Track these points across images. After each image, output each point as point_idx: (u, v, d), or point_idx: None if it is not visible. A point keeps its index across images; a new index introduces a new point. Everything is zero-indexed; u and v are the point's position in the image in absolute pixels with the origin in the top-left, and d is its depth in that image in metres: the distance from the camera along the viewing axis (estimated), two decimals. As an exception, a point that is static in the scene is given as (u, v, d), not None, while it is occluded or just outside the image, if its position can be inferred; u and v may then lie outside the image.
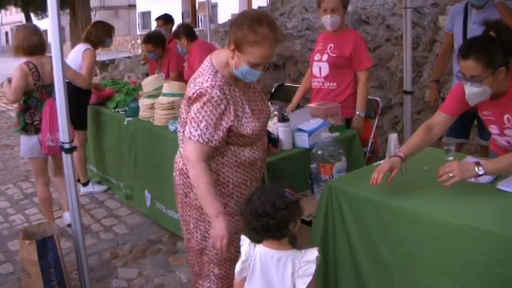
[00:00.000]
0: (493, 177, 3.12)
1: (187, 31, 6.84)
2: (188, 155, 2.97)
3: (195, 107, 2.96)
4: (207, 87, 2.95)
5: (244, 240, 2.60)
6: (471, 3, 5.07)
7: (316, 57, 5.07)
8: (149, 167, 5.44)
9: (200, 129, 2.92)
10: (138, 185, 5.79)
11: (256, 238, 2.59)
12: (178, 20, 8.44)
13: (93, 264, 4.78)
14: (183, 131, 3.06)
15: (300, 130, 4.19)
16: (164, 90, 5.38)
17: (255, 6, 21.60)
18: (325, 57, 4.98)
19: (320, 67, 5.03)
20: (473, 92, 3.12)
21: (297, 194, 2.63)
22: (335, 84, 4.98)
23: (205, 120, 2.92)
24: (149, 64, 7.92)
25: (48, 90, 4.97)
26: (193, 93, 2.98)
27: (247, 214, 2.55)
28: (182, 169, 3.17)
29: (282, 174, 3.85)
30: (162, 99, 5.30)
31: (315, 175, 3.77)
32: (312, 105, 4.78)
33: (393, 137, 3.53)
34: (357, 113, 4.92)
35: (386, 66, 8.22)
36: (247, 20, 2.93)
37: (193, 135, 2.92)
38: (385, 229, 2.94)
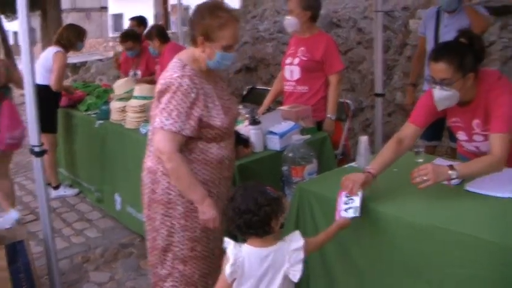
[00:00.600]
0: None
1: (160, 33, 6.82)
2: (161, 146, 2.98)
3: (165, 98, 2.99)
4: (177, 77, 3.00)
5: (229, 243, 2.59)
6: (442, 8, 5.17)
7: (288, 60, 5.09)
8: (120, 170, 5.42)
9: (172, 118, 2.94)
10: (109, 188, 5.77)
11: (240, 237, 2.61)
12: (150, 23, 8.41)
13: (64, 268, 4.74)
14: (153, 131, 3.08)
15: (271, 133, 4.21)
16: (135, 93, 5.36)
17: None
18: (296, 60, 4.99)
19: (292, 71, 5.05)
20: (442, 95, 3.16)
21: (279, 192, 2.66)
22: (306, 87, 5.00)
23: (177, 109, 2.95)
24: (122, 64, 7.85)
25: (1, 91, 4.93)
26: (162, 85, 3.02)
27: (230, 212, 2.56)
28: (150, 167, 3.18)
29: (253, 176, 3.85)
30: (134, 102, 5.28)
31: (286, 177, 3.78)
32: (283, 107, 4.79)
33: (363, 139, 3.55)
34: (328, 116, 4.94)
35: (358, 69, 8.26)
36: (206, 9, 3.03)
37: (165, 124, 2.94)
38: (355, 230, 2.94)
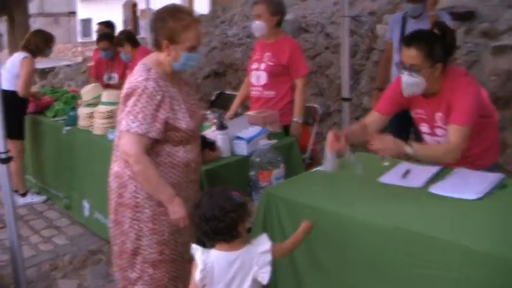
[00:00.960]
0: (425, 180, 3.22)
1: (130, 38, 6.79)
2: (128, 149, 3.00)
3: (131, 101, 3.01)
4: (141, 80, 3.03)
5: (197, 249, 2.61)
6: (408, 14, 5.26)
7: (254, 66, 5.13)
8: (88, 177, 5.40)
9: (138, 121, 2.97)
10: (77, 194, 5.73)
11: (208, 243, 2.62)
12: (119, 28, 8.37)
13: (32, 276, 4.69)
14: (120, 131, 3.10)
15: (239, 138, 4.22)
16: (103, 99, 5.35)
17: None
18: (262, 66, 5.03)
19: (258, 76, 5.08)
20: (410, 81, 3.29)
21: (245, 197, 2.69)
22: (273, 92, 5.04)
23: (142, 111, 2.98)
24: (96, 67, 7.76)
25: None
26: (127, 89, 3.05)
27: (196, 219, 2.59)
28: (117, 172, 3.20)
29: (221, 181, 3.87)
30: (101, 108, 5.27)
31: (253, 182, 3.80)
32: (250, 113, 4.82)
33: (329, 144, 3.58)
34: (295, 119, 4.98)
35: (326, 73, 8.31)
36: (168, 13, 3.09)
37: (132, 127, 2.96)
38: (322, 234, 2.98)
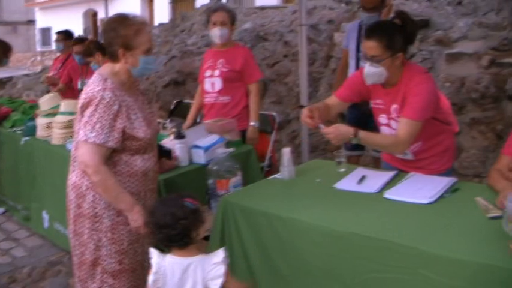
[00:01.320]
0: (380, 186, 3.28)
1: (100, 47, 6.68)
2: (86, 159, 3.00)
3: (88, 111, 3.02)
4: (98, 90, 3.04)
5: (154, 253, 2.66)
6: (363, 22, 5.33)
7: (208, 73, 5.19)
8: (47, 187, 5.35)
9: (96, 131, 2.97)
10: (36, 206, 5.67)
11: (164, 249, 2.66)
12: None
13: (-11, 289, 4.65)
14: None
15: (196, 146, 4.24)
16: (61, 109, 5.31)
17: (156, 22, 21.54)
18: (217, 72, 5.11)
19: (213, 83, 5.15)
20: (371, 71, 3.39)
21: (200, 204, 2.73)
22: (229, 97, 5.12)
23: (100, 121, 2.99)
24: (68, 73, 7.55)
25: None
26: (84, 99, 3.05)
27: (151, 226, 2.65)
28: (75, 182, 3.19)
29: (179, 190, 3.84)
30: (59, 118, 5.23)
31: (211, 190, 3.82)
32: (208, 121, 4.85)
33: (286, 151, 3.63)
34: (251, 123, 5.09)
35: (284, 81, 8.38)
36: (116, 22, 3.12)
37: (89, 137, 2.97)
38: (278, 240, 3.02)
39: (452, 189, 3.19)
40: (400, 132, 3.37)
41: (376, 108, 3.66)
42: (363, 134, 3.35)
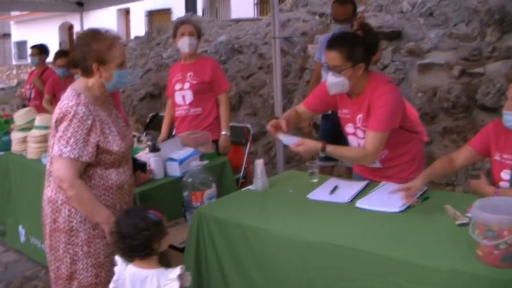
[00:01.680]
0: (352, 196, 3.33)
1: None
2: (61, 174, 3.00)
3: (62, 126, 3.03)
4: (72, 105, 3.05)
5: (118, 260, 2.71)
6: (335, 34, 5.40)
7: (177, 86, 5.25)
8: (23, 202, 5.33)
9: (70, 145, 2.98)
10: (12, 220, 5.65)
11: (126, 258, 2.69)
12: (55, 50, 8.24)
13: (-35, 305, 4.62)
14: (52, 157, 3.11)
15: (171, 159, 4.26)
16: (36, 123, 5.31)
17: (132, 35, 21.56)
18: (186, 85, 5.17)
19: (183, 95, 5.21)
20: (333, 81, 3.45)
21: (167, 219, 2.78)
22: (200, 109, 5.19)
23: (74, 136, 3.00)
24: (51, 85, 7.47)
25: None
26: (58, 114, 3.06)
27: (115, 236, 2.69)
28: (51, 197, 3.19)
29: (155, 203, 3.89)
30: (35, 132, 5.23)
31: (187, 203, 3.84)
32: (182, 134, 4.88)
33: (259, 163, 3.66)
34: (223, 132, 5.16)
35: (259, 93, 8.43)
36: (89, 37, 3.13)
37: (64, 152, 2.98)
38: (252, 251, 3.04)
39: (422, 198, 3.24)
40: (368, 146, 3.44)
41: (343, 117, 3.72)
42: (331, 148, 3.44)
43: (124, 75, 3.22)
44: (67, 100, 3.10)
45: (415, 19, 8.24)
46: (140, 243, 2.60)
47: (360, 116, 3.54)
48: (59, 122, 3.06)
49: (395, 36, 7.89)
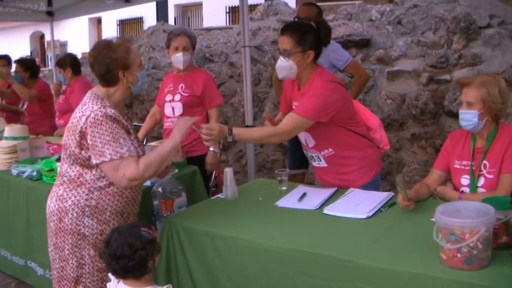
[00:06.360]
0: (320, 203, 3.39)
1: (75, 64, 6.53)
2: (130, 176, 3.05)
3: (101, 131, 3.04)
4: (99, 109, 3.08)
5: (110, 278, 2.68)
6: None
7: (168, 97, 5.11)
8: (-9, 214, 5.28)
9: (122, 145, 3.06)
10: (-19, 233, 5.58)
11: (120, 278, 2.66)
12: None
13: None
14: (68, 163, 3.18)
15: (141, 169, 4.26)
16: (6, 134, 5.27)
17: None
18: (177, 97, 5.03)
19: (173, 107, 5.07)
20: (282, 65, 3.58)
21: (154, 232, 2.77)
22: None
23: (114, 137, 3.06)
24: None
25: None
26: (86, 120, 3.06)
27: (107, 257, 2.62)
28: (62, 195, 3.20)
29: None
30: (4, 143, 5.18)
31: (157, 212, 3.85)
32: (152, 143, 4.87)
33: (228, 171, 3.70)
34: (211, 149, 4.92)
35: (230, 102, 8.45)
36: (105, 49, 3.17)
37: (123, 153, 3.05)
38: (222, 258, 3.08)
39: (389, 204, 3.31)
40: (281, 124, 3.57)
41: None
42: (237, 131, 3.50)
43: (144, 75, 3.33)
44: (91, 103, 3.12)
45: (384, 27, 8.33)
46: (136, 263, 2.56)
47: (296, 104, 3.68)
48: (89, 127, 3.05)
49: (364, 44, 7.97)
